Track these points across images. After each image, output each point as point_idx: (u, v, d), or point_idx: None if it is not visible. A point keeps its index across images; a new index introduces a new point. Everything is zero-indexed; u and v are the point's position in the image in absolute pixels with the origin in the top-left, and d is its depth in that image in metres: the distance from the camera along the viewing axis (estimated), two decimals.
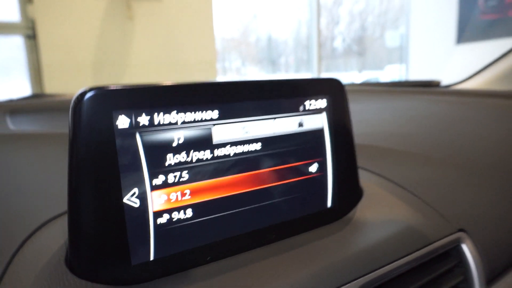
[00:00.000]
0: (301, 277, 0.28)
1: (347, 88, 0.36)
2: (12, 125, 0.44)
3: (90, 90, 0.23)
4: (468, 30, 2.97)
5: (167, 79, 2.39)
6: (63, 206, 0.31)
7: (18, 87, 2.20)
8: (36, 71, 2.20)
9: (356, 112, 0.63)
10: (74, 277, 0.24)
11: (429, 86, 0.98)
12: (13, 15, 2.11)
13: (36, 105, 0.51)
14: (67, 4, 2.13)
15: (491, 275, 0.38)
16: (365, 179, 0.41)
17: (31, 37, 2.14)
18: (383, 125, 0.57)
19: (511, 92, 0.74)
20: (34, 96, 0.67)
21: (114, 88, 0.24)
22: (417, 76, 3.66)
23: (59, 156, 0.37)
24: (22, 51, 2.17)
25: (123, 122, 0.24)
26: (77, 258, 0.24)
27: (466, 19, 2.99)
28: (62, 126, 0.44)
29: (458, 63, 2.96)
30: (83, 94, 0.23)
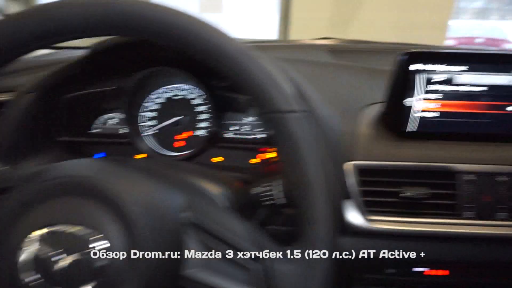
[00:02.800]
0: (487, 155, 0.57)
1: None
2: (332, 58, 0.82)
3: (406, 52, 0.55)
4: None
5: (400, 16, 2.53)
6: (374, 100, 0.64)
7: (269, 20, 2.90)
8: (286, 7, 2.79)
9: None
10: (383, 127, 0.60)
11: None
12: None
13: (344, 46, 0.87)
14: None
15: None
16: None
17: None
18: None
19: None
20: (323, 38, 1.06)
21: (415, 51, 0.55)
22: None
23: (366, 78, 0.72)
24: None
25: (415, 67, 0.56)
26: (386, 121, 0.59)
27: None
28: (364, 62, 0.79)
29: None
30: (403, 53, 0.55)
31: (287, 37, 2.83)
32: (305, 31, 2.69)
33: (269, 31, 3.00)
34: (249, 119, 0.73)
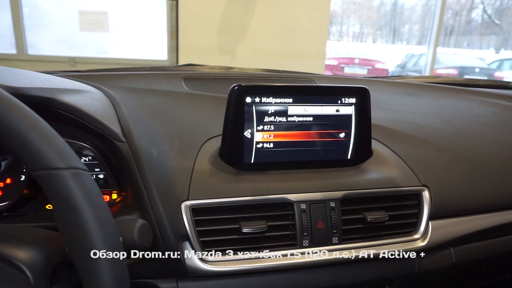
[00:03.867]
0: (319, 183, 0.58)
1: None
2: (186, 87, 0.80)
3: (237, 85, 0.55)
4: None
5: (280, 41, 2.71)
6: (217, 132, 0.64)
7: (157, 40, 2.87)
8: (174, 27, 2.78)
9: (406, 104, 0.85)
10: (221, 161, 0.58)
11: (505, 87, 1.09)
12: None
13: (200, 74, 0.86)
14: None
15: (434, 216, 0.62)
16: (377, 147, 0.67)
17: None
18: (412, 116, 0.79)
19: None
20: (188, 65, 1.04)
21: (245, 84, 0.55)
22: None
23: (215, 107, 0.70)
24: (164, 11, 2.79)
25: (248, 99, 0.56)
26: (223, 154, 0.57)
27: None
28: (216, 91, 0.78)
29: None
30: (234, 86, 0.55)
31: (177, 59, 2.81)
32: (193, 55, 2.70)
33: (161, 52, 2.95)
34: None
